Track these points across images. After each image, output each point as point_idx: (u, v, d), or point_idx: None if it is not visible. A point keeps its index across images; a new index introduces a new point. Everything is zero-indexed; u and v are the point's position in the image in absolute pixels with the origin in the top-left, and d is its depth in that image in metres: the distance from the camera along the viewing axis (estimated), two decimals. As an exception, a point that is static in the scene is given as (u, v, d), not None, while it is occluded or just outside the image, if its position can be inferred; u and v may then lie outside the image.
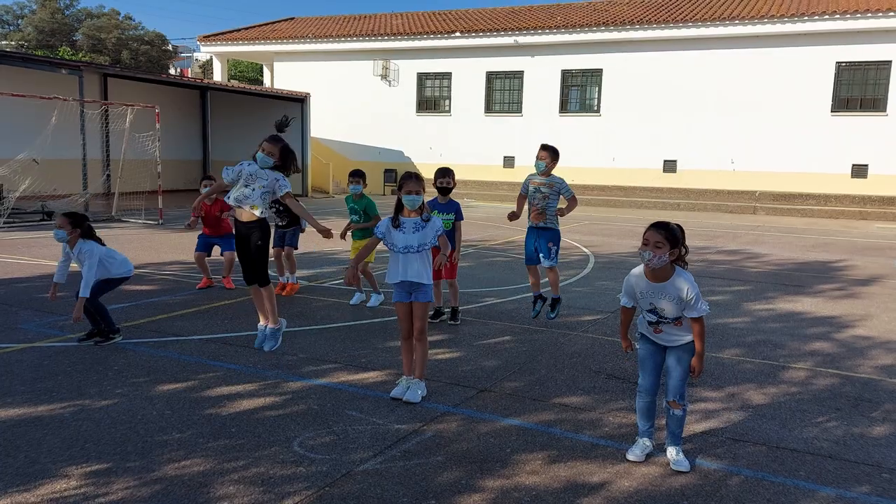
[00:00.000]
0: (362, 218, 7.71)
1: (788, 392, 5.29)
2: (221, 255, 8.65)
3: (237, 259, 6.12)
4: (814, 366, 5.99)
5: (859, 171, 22.31)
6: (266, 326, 6.04)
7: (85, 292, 5.92)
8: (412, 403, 4.80)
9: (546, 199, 6.77)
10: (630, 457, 4.04)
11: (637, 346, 4.17)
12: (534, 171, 6.96)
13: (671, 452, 4.01)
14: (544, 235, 6.84)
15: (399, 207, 4.94)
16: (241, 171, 5.85)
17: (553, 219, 6.86)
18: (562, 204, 6.89)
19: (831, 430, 4.56)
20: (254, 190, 5.78)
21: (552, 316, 7.02)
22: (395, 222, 4.91)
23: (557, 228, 6.93)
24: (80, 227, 6.09)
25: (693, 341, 3.95)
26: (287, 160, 5.90)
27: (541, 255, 6.88)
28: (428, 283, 4.90)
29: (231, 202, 5.86)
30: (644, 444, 4.10)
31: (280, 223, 8.28)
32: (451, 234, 6.95)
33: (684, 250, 3.88)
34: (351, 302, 7.86)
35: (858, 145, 22.24)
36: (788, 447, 4.28)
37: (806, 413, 4.86)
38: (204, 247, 8.60)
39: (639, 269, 3.97)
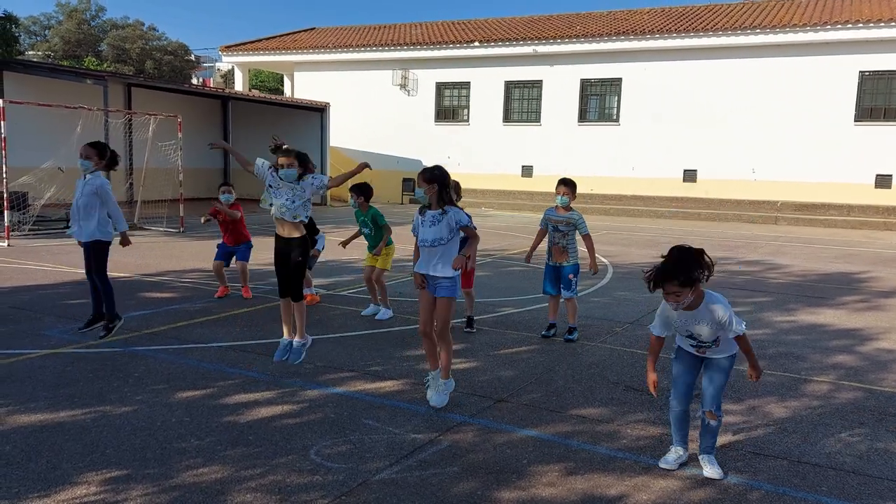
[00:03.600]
0: (372, 230, 7.68)
1: (810, 405, 5.22)
2: (236, 262, 8.69)
3: (276, 273, 6.00)
4: (836, 379, 5.90)
5: (883, 181, 22.00)
6: (292, 340, 6.01)
7: (124, 225, 6.35)
8: (439, 408, 4.82)
9: (565, 237, 6.87)
10: (663, 464, 4.07)
11: (672, 363, 4.17)
12: (551, 204, 7.00)
13: (705, 461, 4.03)
14: (564, 269, 6.87)
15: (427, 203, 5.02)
16: (268, 177, 5.86)
17: (574, 254, 6.92)
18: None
19: (854, 445, 4.48)
20: (294, 202, 5.77)
21: (570, 338, 6.94)
22: (422, 212, 4.98)
23: (577, 261, 6.97)
24: (104, 158, 6.14)
25: (732, 355, 4.01)
26: (306, 163, 6.00)
27: (561, 286, 6.91)
28: (445, 276, 4.85)
29: (274, 214, 5.83)
30: (678, 452, 4.11)
31: None
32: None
33: (706, 274, 3.75)
34: (363, 312, 7.86)
35: (882, 155, 21.93)
36: (810, 462, 4.22)
37: (828, 427, 4.79)
38: (223, 256, 8.67)
39: None
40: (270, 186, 5.85)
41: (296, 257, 5.86)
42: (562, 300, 7.00)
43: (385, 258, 7.72)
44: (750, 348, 3.96)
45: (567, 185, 6.85)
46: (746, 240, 17.15)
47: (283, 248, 5.89)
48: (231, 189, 8.58)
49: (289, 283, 5.92)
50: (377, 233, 7.65)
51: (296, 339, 5.98)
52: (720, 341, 3.92)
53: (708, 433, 4.05)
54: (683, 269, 3.66)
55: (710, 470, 3.98)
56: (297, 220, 5.81)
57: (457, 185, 7.05)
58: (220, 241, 8.82)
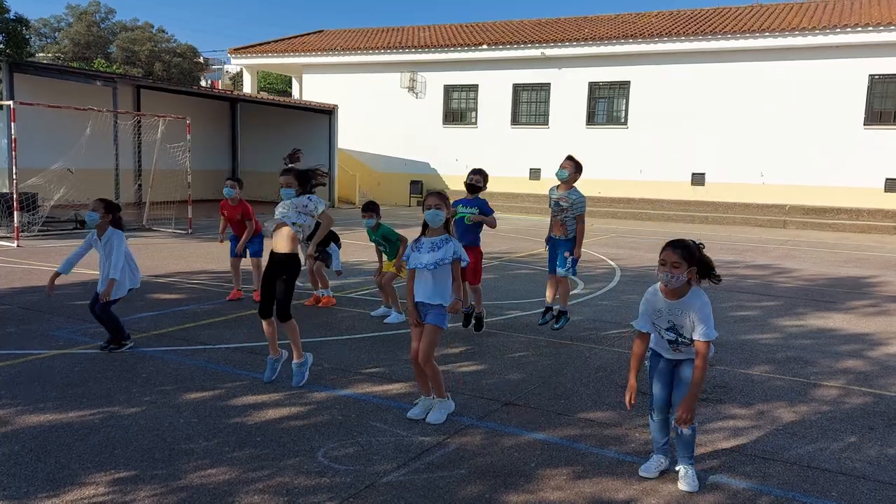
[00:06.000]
0: (385, 246, 7.71)
1: (820, 410, 5.19)
2: (250, 258, 8.65)
3: (262, 290, 5.61)
4: (846, 384, 5.86)
5: (893, 185, 21.86)
6: (277, 358, 5.59)
7: (116, 274, 6.02)
8: (434, 425, 4.71)
9: (564, 212, 6.82)
10: (643, 473, 4.01)
11: (647, 364, 4.10)
12: (556, 181, 6.97)
13: (682, 471, 3.94)
14: (562, 245, 6.84)
15: (424, 226, 4.86)
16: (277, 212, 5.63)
17: (573, 231, 6.85)
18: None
19: (864, 450, 4.45)
20: (288, 210, 5.52)
21: (556, 327, 6.90)
22: (417, 242, 4.84)
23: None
24: (112, 213, 6.21)
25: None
26: (306, 180, 5.61)
27: (557, 263, 6.87)
28: (440, 303, 4.72)
29: (270, 228, 5.63)
30: (659, 460, 4.06)
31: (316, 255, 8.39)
32: (475, 227, 6.92)
33: (710, 268, 3.83)
34: (372, 314, 7.85)
35: (892, 159, 21.79)
36: (820, 467, 4.19)
37: (838, 432, 4.76)
38: (237, 252, 8.67)
39: (654, 288, 3.94)
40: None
41: (282, 276, 5.42)
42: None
43: (400, 267, 7.69)
44: (703, 368, 3.73)
45: (571, 160, 6.79)
46: (755, 243, 17.09)
47: (273, 264, 5.51)
48: (235, 184, 8.45)
49: (271, 303, 5.45)
50: (391, 248, 7.66)
51: (294, 361, 5.50)
52: None
53: (682, 443, 3.92)
54: (687, 246, 3.78)
55: (683, 482, 3.87)
56: (293, 229, 5.47)
57: (482, 172, 7.13)
58: (230, 234, 8.73)
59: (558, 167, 6.87)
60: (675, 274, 3.72)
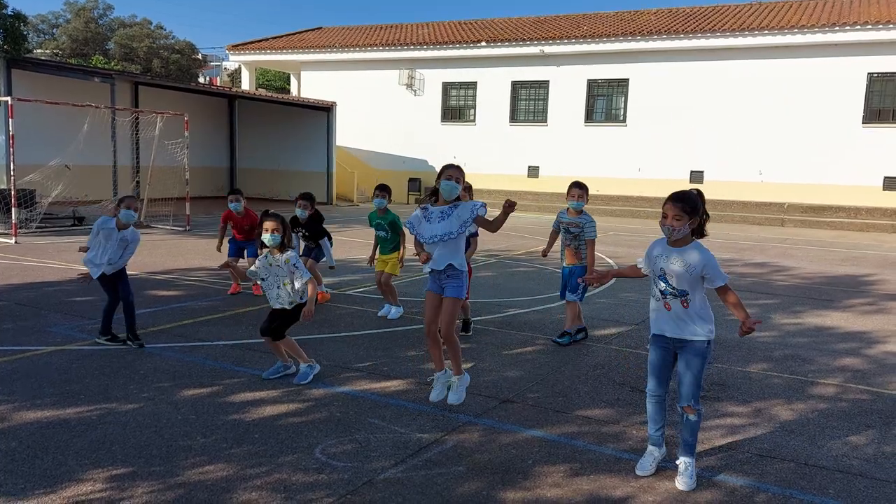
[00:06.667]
0: (388, 233, 7.68)
1: (817, 408, 5.19)
2: (247, 259, 8.69)
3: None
4: (843, 382, 5.87)
5: (891, 183, 21.88)
6: (285, 364, 5.58)
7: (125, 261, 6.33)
8: (457, 405, 4.75)
9: (576, 238, 6.78)
10: (639, 472, 3.99)
11: (650, 350, 4.13)
12: (557, 204, 6.90)
13: (681, 465, 3.92)
14: (576, 271, 6.79)
15: (434, 193, 4.82)
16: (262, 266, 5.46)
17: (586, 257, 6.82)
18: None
19: (862, 448, 4.46)
20: (279, 287, 5.37)
21: (559, 341, 6.80)
22: (425, 211, 4.81)
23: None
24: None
25: (708, 341, 3.92)
26: (286, 231, 5.41)
27: (568, 289, 6.84)
28: (458, 270, 4.72)
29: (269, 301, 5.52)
30: (653, 454, 4.05)
31: (311, 245, 8.35)
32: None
33: (705, 217, 3.91)
34: (379, 314, 7.80)
35: (891, 157, 21.81)
36: (817, 464, 4.20)
37: (835, 430, 4.76)
38: (235, 252, 8.76)
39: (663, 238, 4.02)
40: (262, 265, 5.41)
41: (285, 317, 5.40)
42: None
43: (395, 264, 7.69)
44: (739, 304, 3.87)
45: (580, 187, 6.75)
46: (753, 241, 17.10)
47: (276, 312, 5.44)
48: (240, 197, 8.65)
49: (269, 326, 5.42)
50: (392, 237, 7.64)
51: (302, 365, 5.50)
52: (688, 301, 3.85)
53: (687, 430, 3.94)
54: (689, 199, 3.86)
55: (680, 479, 3.86)
56: (292, 295, 5.34)
57: (469, 186, 7.03)
58: (230, 237, 8.87)
59: (569, 197, 6.75)
60: (676, 227, 3.81)
